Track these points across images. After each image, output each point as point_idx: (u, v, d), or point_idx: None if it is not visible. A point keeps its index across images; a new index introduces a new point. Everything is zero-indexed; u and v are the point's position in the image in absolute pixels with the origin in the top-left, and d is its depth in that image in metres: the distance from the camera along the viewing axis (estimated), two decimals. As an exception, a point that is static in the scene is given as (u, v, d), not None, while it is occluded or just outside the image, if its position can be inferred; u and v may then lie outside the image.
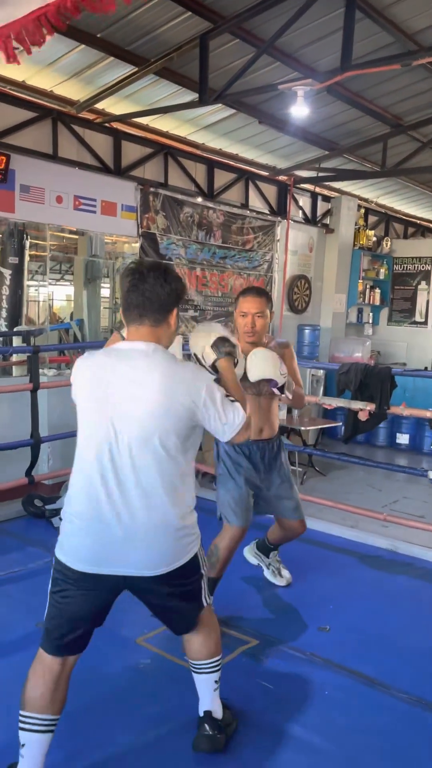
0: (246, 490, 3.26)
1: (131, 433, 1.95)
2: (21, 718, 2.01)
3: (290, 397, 3.25)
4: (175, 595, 2.10)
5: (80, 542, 1.99)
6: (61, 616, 2.02)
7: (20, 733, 2.01)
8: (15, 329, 5.59)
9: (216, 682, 2.32)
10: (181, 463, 2.03)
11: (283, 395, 3.16)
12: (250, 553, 3.81)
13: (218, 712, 2.33)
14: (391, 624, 3.35)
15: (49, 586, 2.07)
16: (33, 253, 5.92)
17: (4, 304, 5.61)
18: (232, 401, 2.11)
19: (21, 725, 2.01)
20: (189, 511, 2.09)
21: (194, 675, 2.33)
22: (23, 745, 2.01)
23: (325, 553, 4.37)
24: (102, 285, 6.77)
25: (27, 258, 5.73)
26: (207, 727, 2.29)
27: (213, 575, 3.07)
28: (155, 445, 1.96)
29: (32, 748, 2.01)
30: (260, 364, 3.00)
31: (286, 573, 3.76)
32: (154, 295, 2.01)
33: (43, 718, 2.00)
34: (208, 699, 2.32)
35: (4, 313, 5.61)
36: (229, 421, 2.08)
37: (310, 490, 5.56)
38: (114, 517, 1.95)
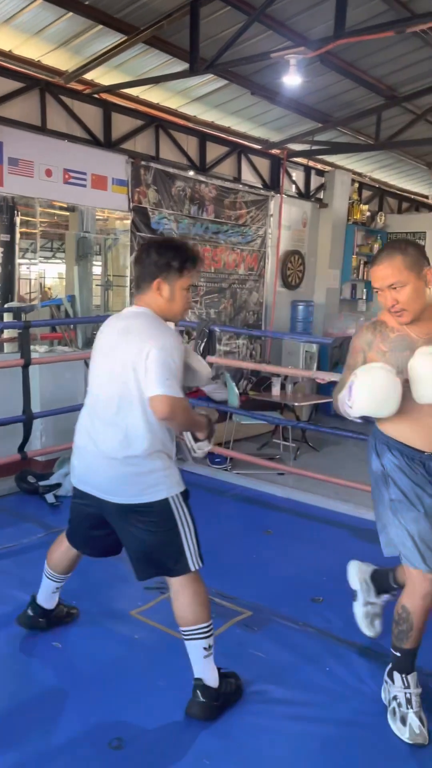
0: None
1: (107, 382, 2.30)
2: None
3: None
4: (144, 532, 2.32)
5: (74, 462, 2.48)
6: (71, 518, 2.63)
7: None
8: (6, 306, 5.54)
9: (205, 649, 2.33)
10: (140, 409, 2.23)
11: None
12: (356, 574, 2.91)
13: (211, 681, 2.34)
14: (384, 595, 3.37)
15: None
16: (24, 230, 5.86)
17: (-4, 283, 5.56)
18: (171, 375, 2.18)
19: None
20: (150, 453, 2.27)
21: (185, 643, 2.36)
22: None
23: (319, 526, 4.39)
24: (93, 262, 6.70)
25: (18, 235, 5.66)
26: (199, 693, 2.32)
27: (408, 646, 2.29)
28: (122, 393, 2.25)
29: (42, 585, 2.79)
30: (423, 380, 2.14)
31: (378, 625, 2.86)
32: (140, 266, 2.33)
33: (51, 573, 2.74)
34: (198, 666, 2.34)
35: (-4, 292, 5.57)
36: (157, 381, 2.16)
37: (303, 465, 5.59)
38: (89, 444, 2.35)
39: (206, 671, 2.35)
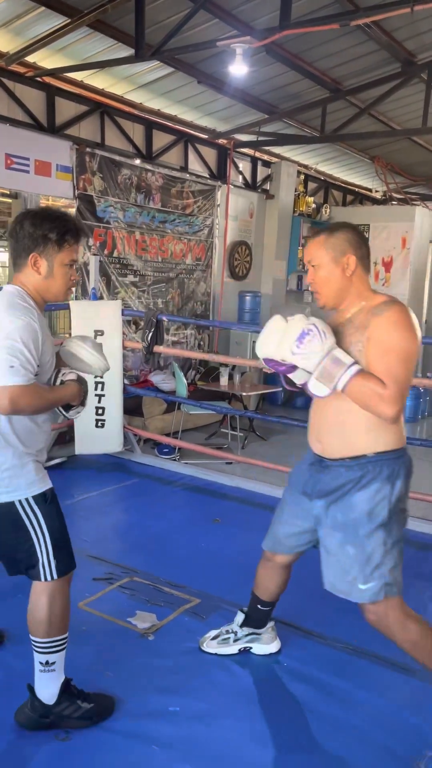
0: (287, 506, 2.43)
1: None
2: None
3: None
4: None
5: None
6: None
7: None
8: None
9: (42, 664, 2.15)
10: None
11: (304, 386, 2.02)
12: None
13: (44, 695, 2.17)
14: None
15: None
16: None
17: None
18: (16, 361, 1.90)
19: None
20: None
21: None
22: None
23: (267, 513, 4.40)
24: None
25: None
26: (29, 703, 2.20)
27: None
28: None
29: None
30: (261, 338, 2.07)
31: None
32: (14, 239, 2.05)
33: None
34: (35, 677, 2.19)
35: None
36: None
37: (251, 454, 5.64)
38: None
39: (40, 686, 2.18)
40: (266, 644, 2.72)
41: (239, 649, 2.70)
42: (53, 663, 2.15)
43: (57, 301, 2.16)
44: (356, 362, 1.95)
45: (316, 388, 1.96)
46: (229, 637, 2.71)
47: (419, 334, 2.03)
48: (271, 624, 2.74)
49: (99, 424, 5.19)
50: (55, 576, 2.10)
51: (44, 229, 2.01)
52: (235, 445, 6.16)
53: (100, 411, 5.17)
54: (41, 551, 2.08)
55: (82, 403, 2.23)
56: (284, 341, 1.96)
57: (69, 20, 4.96)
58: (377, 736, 2.29)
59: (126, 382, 5.86)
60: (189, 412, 6.10)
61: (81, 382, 2.20)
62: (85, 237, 2.14)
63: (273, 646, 2.73)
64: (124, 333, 5.39)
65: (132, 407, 5.96)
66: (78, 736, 2.19)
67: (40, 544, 2.08)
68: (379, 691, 2.52)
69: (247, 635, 2.71)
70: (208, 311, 7.95)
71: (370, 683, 2.55)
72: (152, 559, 3.57)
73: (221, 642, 2.70)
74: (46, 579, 2.10)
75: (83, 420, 5.16)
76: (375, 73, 6.47)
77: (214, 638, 2.72)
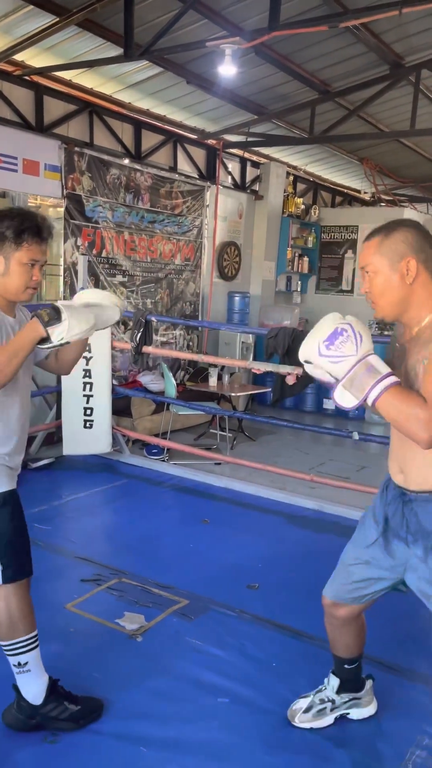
0: (365, 546, 2.09)
1: None
2: None
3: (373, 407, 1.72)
4: None
5: None
6: None
7: None
8: None
9: (15, 666, 2.15)
10: None
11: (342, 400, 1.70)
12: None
13: (29, 696, 2.17)
14: (317, 579, 3.44)
15: None
16: None
17: None
18: None
19: None
20: None
21: None
22: None
23: (255, 514, 4.45)
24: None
25: None
26: (15, 703, 2.21)
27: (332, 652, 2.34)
28: None
29: None
30: (307, 338, 1.75)
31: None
32: None
33: None
34: (16, 679, 2.18)
35: None
36: None
37: (240, 455, 5.64)
38: None
39: (22, 686, 2.18)
40: (364, 708, 2.37)
41: (336, 718, 2.34)
42: (26, 663, 2.14)
43: (17, 300, 2.12)
44: (393, 374, 1.66)
45: (342, 397, 1.68)
46: (325, 707, 2.32)
47: None
48: (369, 684, 2.39)
49: (87, 425, 5.17)
50: (0, 581, 2.06)
51: (2, 227, 2.01)
52: (224, 446, 6.15)
53: (88, 411, 5.15)
54: None
55: (55, 320, 1.96)
56: (311, 339, 1.70)
57: (57, 19, 4.93)
58: (367, 735, 2.29)
59: (115, 382, 5.84)
60: (178, 413, 6.09)
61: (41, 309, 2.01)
62: (49, 237, 2.08)
63: (370, 708, 2.38)
64: (112, 333, 5.38)
65: (121, 408, 5.95)
66: (66, 739, 2.18)
67: None
68: (367, 691, 2.52)
69: (346, 702, 2.34)
70: (197, 312, 7.95)
71: (358, 683, 2.56)
72: (141, 560, 3.56)
73: (317, 714, 2.32)
74: None
75: (72, 421, 5.15)
76: (363, 75, 6.49)
77: (306, 711, 2.32)
